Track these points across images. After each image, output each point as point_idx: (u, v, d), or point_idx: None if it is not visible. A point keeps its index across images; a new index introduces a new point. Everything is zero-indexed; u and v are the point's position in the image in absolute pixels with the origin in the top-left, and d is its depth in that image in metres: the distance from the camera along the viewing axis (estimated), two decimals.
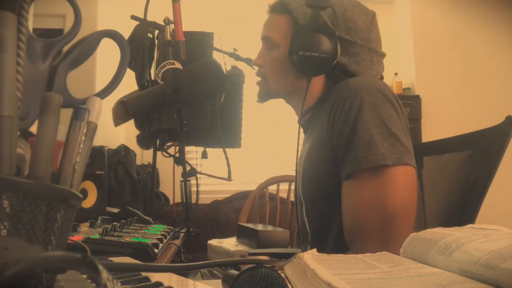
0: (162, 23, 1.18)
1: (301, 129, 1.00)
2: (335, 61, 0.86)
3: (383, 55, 0.96)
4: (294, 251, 1.23)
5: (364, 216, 0.76)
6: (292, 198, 1.78)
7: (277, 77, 0.96)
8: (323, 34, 0.85)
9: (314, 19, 0.87)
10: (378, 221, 0.74)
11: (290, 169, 2.72)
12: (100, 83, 2.53)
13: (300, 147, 1.00)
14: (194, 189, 1.28)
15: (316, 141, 0.88)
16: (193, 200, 1.29)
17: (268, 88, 0.99)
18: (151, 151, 1.33)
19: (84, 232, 0.94)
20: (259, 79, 1.02)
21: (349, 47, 0.90)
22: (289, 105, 1.04)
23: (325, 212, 0.86)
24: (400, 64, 3.57)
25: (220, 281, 0.47)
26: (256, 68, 1.02)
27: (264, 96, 1.02)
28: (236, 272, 0.42)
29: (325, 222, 0.87)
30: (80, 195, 0.37)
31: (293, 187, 2.06)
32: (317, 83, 0.93)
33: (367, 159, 0.75)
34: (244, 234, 1.68)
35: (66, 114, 0.40)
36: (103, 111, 0.43)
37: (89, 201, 1.34)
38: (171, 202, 2.56)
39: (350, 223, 0.78)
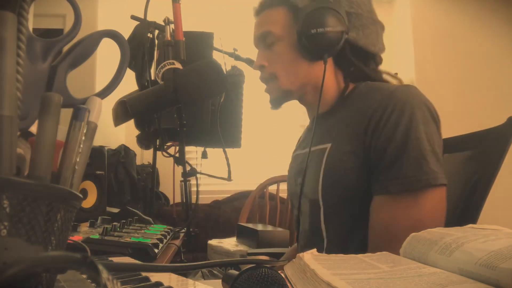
0: (162, 23, 1.18)
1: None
2: (346, 36, 0.83)
3: (383, 27, 0.92)
4: (288, 250, 1.23)
5: (397, 236, 0.71)
6: None
7: (289, 70, 0.90)
8: (329, 9, 0.82)
9: None
10: None
11: None
12: (100, 83, 2.53)
13: (305, 146, 0.95)
14: (194, 189, 1.28)
15: (342, 145, 0.82)
16: (193, 200, 1.29)
17: (281, 87, 0.92)
18: (151, 151, 1.33)
19: (84, 232, 0.94)
20: (265, 86, 0.95)
21: (355, 20, 0.86)
22: (302, 104, 0.98)
23: (349, 220, 0.82)
24: (400, 64, 3.57)
25: (220, 281, 0.47)
26: (258, 75, 0.96)
27: (278, 99, 0.95)
28: (236, 272, 0.42)
29: (347, 231, 0.83)
30: (80, 195, 0.37)
31: None
32: (329, 74, 0.89)
33: (418, 179, 0.72)
34: (244, 234, 1.68)
35: (66, 114, 0.40)
36: (103, 111, 0.43)
37: (89, 201, 1.34)
38: (171, 202, 2.56)
39: (379, 240, 0.75)
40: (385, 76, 0.94)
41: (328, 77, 0.89)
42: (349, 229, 0.83)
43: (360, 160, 0.79)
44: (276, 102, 0.95)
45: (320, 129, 0.91)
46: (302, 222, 0.92)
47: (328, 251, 0.85)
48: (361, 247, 0.79)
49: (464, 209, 0.83)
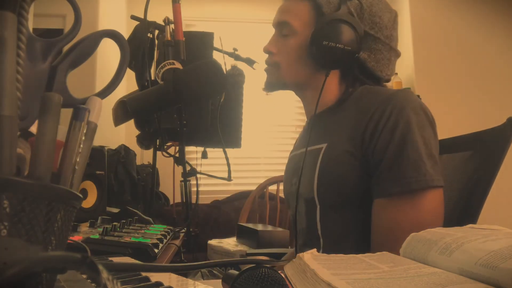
0: (162, 23, 1.18)
1: (295, 129, 0.97)
2: (356, 55, 0.83)
3: (399, 55, 0.93)
4: (292, 251, 1.23)
5: (399, 238, 0.73)
6: None
7: (292, 66, 0.91)
8: (348, 25, 0.82)
9: (340, 8, 0.84)
10: None
11: None
12: (100, 83, 2.53)
13: (301, 147, 0.96)
14: (194, 189, 1.28)
15: (339, 145, 0.83)
16: (193, 200, 1.29)
17: (280, 77, 0.93)
18: (151, 151, 1.33)
19: (84, 232, 0.94)
20: (266, 66, 0.96)
21: (372, 43, 0.87)
22: (299, 98, 0.99)
23: (345, 219, 0.83)
24: (400, 64, 3.56)
25: (220, 281, 0.47)
26: (265, 57, 0.96)
27: (273, 85, 0.95)
28: (236, 272, 0.42)
29: (344, 230, 0.83)
30: (80, 195, 0.37)
31: None
32: (331, 79, 0.89)
33: (417, 180, 0.73)
34: (244, 234, 1.68)
35: (66, 114, 0.40)
36: (103, 111, 0.43)
37: (89, 201, 1.34)
38: (171, 202, 2.56)
39: (382, 243, 0.76)
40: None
41: (331, 83, 0.90)
42: (345, 229, 0.83)
43: (358, 161, 0.79)
44: (270, 87, 0.96)
45: (315, 129, 0.91)
46: (299, 222, 0.93)
47: (324, 250, 0.86)
48: (357, 247, 0.80)
49: (464, 209, 0.83)
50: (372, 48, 0.87)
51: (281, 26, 0.92)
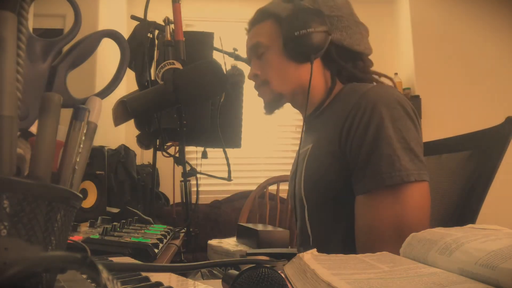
0: (162, 23, 1.18)
1: (295, 129, 0.98)
2: (330, 37, 0.86)
3: (367, 29, 0.96)
4: (292, 251, 1.23)
5: (381, 235, 0.74)
6: None
7: (279, 75, 0.94)
8: (310, 10, 0.86)
9: (296, 6, 0.88)
10: (394, 241, 0.72)
11: (290, 170, 2.72)
12: (100, 83, 2.54)
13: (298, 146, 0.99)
14: (194, 189, 1.28)
15: (321, 145, 0.85)
16: (193, 200, 1.29)
17: (274, 91, 0.95)
18: (151, 151, 1.33)
19: (84, 232, 0.94)
20: (257, 92, 0.99)
21: (338, 23, 0.90)
22: (296, 108, 1.01)
23: (330, 218, 0.85)
24: (400, 64, 3.57)
25: (220, 281, 0.47)
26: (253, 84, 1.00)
27: (270, 103, 0.98)
28: (236, 272, 0.42)
29: (329, 229, 0.85)
30: (80, 195, 0.37)
31: None
32: (317, 75, 0.91)
33: (391, 175, 0.73)
34: (244, 234, 1.68)
35: (66, 114, 0.40)
36: (103, 111, 0.43)
37: (89, 201, 1.34)
38: (171, 202, 2.56)
39: (365, 240, 0.77)
40: (375, 77, 0.96)
41: (317, 79, 0.92)
42: (331, 227, 0.85)
43: (338, 160, 0.80)
44: (270, 106, 0.99)
45: (308, 130, 0.95)
46: (298, 222, 0.95)
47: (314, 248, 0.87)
48: (344, 246, 0.81)
49: (464, 208, 0.83)
50: (340, 27, 0.90)
51: (254, 48, 0.97)
